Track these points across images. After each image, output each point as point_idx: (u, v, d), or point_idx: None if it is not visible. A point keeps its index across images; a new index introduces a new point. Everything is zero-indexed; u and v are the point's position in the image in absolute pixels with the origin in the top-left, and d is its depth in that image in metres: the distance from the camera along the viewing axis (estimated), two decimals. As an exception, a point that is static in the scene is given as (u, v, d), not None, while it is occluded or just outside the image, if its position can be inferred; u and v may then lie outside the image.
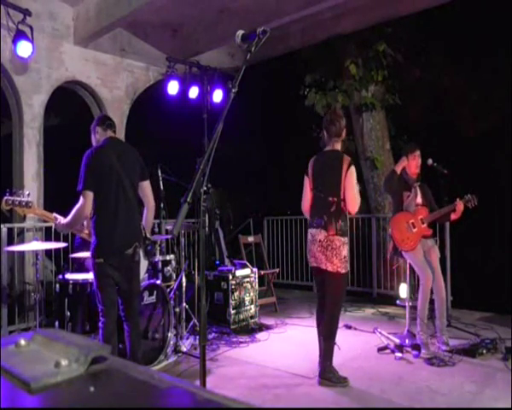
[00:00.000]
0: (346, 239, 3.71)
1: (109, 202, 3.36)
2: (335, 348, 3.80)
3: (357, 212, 3.82)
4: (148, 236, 3.58)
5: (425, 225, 4.64)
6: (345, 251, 3.69)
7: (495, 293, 6.60)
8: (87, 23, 5.94)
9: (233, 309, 5.42)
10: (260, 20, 5.34)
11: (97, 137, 3.56)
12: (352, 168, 3.74)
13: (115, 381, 0.73)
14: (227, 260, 6.63)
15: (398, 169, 4.70)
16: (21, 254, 5.49)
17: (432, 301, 4.66)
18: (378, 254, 7.13)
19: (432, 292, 4.58)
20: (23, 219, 5.38)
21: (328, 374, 3.69)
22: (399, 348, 4.30)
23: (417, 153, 4.78)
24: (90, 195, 3.31)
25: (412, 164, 4.75)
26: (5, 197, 3.44)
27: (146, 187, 3.56)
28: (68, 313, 3.78)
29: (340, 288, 3.82)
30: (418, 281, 6.17)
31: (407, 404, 3.31)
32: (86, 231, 3.72)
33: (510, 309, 5.34)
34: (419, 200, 4.81)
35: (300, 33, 6.81)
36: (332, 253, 3.67)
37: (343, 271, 3.70)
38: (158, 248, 4.77)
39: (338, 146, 3.99)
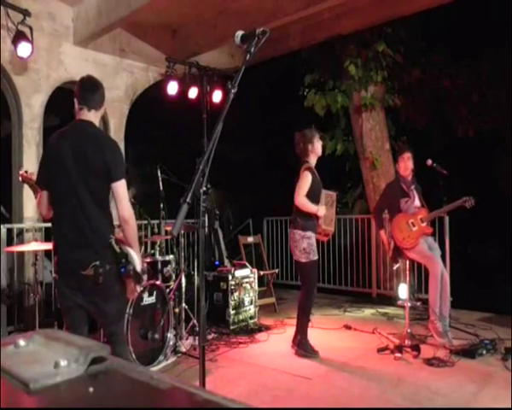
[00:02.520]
0: (306, 233, 4.28)
1: (59, 207, 2.72)
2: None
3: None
4: (129, 252, 2.69)
5: (425, 223, 4.74)
6: (304, 244, 4.27)
7: (494, 293, 6.59)
8: (87, 23, 5.93)
9: (232, 310, 5.42)
10: (260, 21, 5.34)
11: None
12: (305, 173, 4.34)
13: (114, 382, 0.73)
14: (226, 261, 6.63)
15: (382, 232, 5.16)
16: (21, 254, 5.48)
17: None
18: (378, 255, 7.13)
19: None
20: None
21: (303, 346, 4.35)
22: (399, 348, 4.30)
23: (405, 155, 4.97)
24: (42, 191, 2.77)
25: (400, 166, 5.00)
26: (21, 172, 3.29)
27: (115, 190, 2.65)
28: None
29: (306, 275, 4.44)
30: (417, 281, 6.20)
31: (407, 404, 3.31)
32: None
33: (510, 310, 5.34)
34: (417, 202, 4.91)
35: (300, 34, 6.81)
36: (294, 245, 4.36)
37: (303, 260, 4.31)
38: (156, 250, 4.75)
39: (306, 158, 4.48)
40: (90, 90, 2.78)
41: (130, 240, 2.70)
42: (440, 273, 4.59)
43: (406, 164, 4.95)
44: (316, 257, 4.37)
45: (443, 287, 4.63)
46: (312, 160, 4.51)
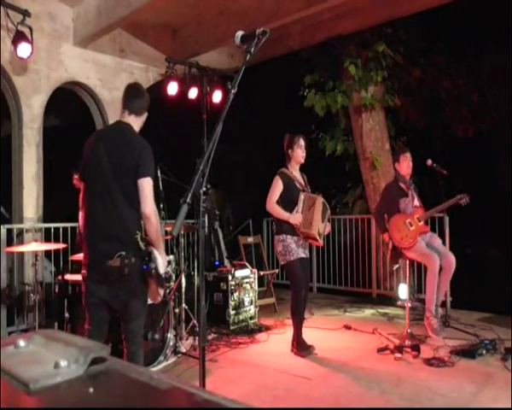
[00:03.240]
0: (280, 236, 4.38)
1: (92, 205, 2.85)
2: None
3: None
4: (153, 251, 2.75)
5: (422, 222, 4.82)
6: (279, 247, 4.39)
7: (494, 293, 6.59)
8: (86, 24, 5.93)
9: (232, 310, 5.42)
10: (260, 21, 5.35)
11: None
12: (275, 179, 4.42)
13: (114, 382, 0.73)
14: (226, 261, 6.63)
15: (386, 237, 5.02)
16: (21, 254, 5.48)
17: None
18: (377, 255, 7.13)
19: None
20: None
21: (297, 346, 4.40)
22: (399, 348, 4.30)
23: (408, 154, 5.03)
24: (82, 184, 2.95)
25: (404, 165, 5.01)
26: (75, 176, 3.35)
27: (140, 186, 2.75)
28: (67, 315, 3.78)
29: (289, 276, 4.63)
30: (417, 282, 6.21)
31: (407, 404, 3.30)
32: None
33: (510, 310, 5.34)
34: (416, 202, 4.95)
35: (300, 34, 6.81)
36: (275, 249, 4.55)
37: (282, 262, 4.47)
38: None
39: (286, 163, 4.56)
40: (133, 95, 2.96)
41: (152, 238, 2.77)
42: (439, 264, 4.68)
43: (409, 163, 5.03)
44: (293, 258, 4.32)
45: (448, 266, 4.74)
46: (293, 165, 4.51)
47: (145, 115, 2.99)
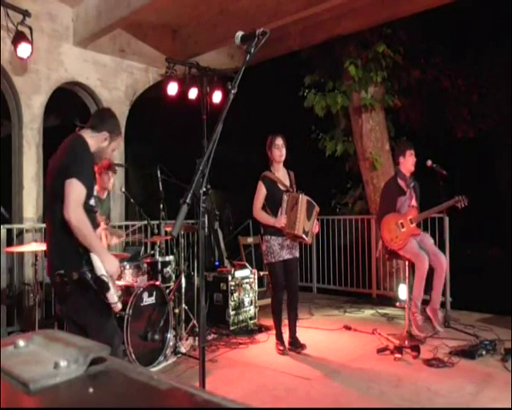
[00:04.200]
0: (265, 237, 4.48)
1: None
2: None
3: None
4: (90, 255, 2.51)
5: (414, 224, 4.78)
6: (263, 247, 4.51)
7: (494, 294, 6.59)
8: (86, 24, 5.93)
9: (232, 310, 5.42)
10: (260, 21, 5.35)
11: None
12: (258, 184, 4.51)
13: (114, 382, 0.73)
14: (226, 261, 6.63)
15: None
16: (20, 255, 5.48)
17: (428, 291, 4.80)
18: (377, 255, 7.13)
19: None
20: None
21: (276, 342, 4.58)
22: (399, 349, 4.30)
23: (413, 151, 4.95)
24: None
25: (409, 160, 4.94)
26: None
27: (65, 189, 2.48)
28: (67, 314, 3.77)
29: (270, 276, 4.67)
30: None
31: (406, 405, 3.30)
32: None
33: (509, 310, 5.34)
34: (414, 202, 4.91)
35: (300, 34, 6.82)
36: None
37: (264, 262, 4.58)
38: (156, 251, 4.75)
39: (270, 165, 4.61)
40: (95, 113, 3.13)
41: (84, 244, 2.50)
42: (427, 270, 4.66)
43: (414, 159, 4.96)
44: (274, 260, 4.39)
45: (440, 267, 4.73)
46: (274, 166, 4.54)
47: (104, 135, 2.78)
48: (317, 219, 4.53)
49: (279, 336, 4.58)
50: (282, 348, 4.49)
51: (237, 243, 7.00)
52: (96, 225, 2.77)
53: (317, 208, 4.47)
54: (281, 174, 4.56)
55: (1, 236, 5.25)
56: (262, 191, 4.45)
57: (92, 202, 2.71)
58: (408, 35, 7.46)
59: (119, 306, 2.64)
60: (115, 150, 2.97)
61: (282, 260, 4.41)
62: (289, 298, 4.64)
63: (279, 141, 4.49)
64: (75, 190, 2.48)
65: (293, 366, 4.15)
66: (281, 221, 4.30)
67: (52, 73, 6.00)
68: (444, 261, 4.77)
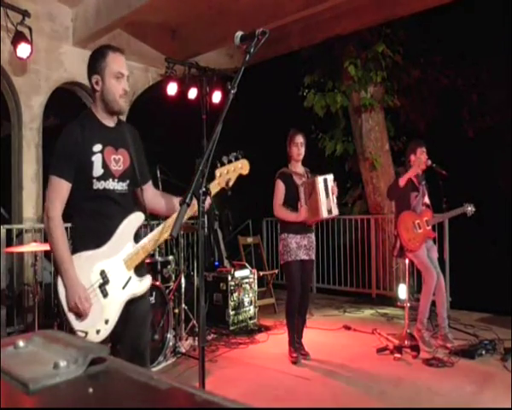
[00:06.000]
0: (282, 235, 4.35)
1: None
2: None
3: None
4: (58, 286, 2.20)
5: (429, 227, 4.72)
6: (280, 246, 4.38)
7: (494, 294, 6.59)
8: (86, 24, 5.93)
9: (232, 310, 5.42)
10: (260, 21, 5.35)
11: None
12: (275, 183, 4.36)
13: (114, 382, 0.73)
14: (226, 261, 6.63)
15: (403, 182, 4.64)
16: (20, 255, 5.48)
17: (432, 303, 4.73)
18: (377, 255, 7.13)
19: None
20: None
21: (289, 349, 4.38)
22: (398, 349, 4.30)
23: (424, 148, 4.86)
24: None
25: (422, 158, 4.81)
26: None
27: None
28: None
29: (285, 276, 4.57)
30: (417, 282, 6.20)
31: (406, 405, 3.30)
32: None
33: (509, 310, 5.34)
34: (426, 199, 4.88)
35: (299, 34, 6.81)
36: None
37: (281, 262, 4.42)
38: (155, 251, 4.75)
39: (288, 162, 4.49)
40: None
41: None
42: (435, 283, 4.59)
43: (425, 157, 4.82)
44: (290, 258, 4.25)
45: (440, 291, 4.65)
46: (292, 163, 4.42)
47: (94, 79, 2.41)
48: (334, 184, 4.18)
49: (292, 343, 4.38)
50: (295, 355, 4.28)
51: (237, 243, 7.00)
52: (130, 210, 2.36)
53: (331, 184, 4.16)
54: (298, 171, 4.42)
55: (0, 236, 5.24)
56: (280, 188, 4.30)
57: (109, 184, 2.27)
58: (407, 35, 7.47)
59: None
60: (123, 74, 2.42)
61: (300, 260, 4.27)
62: (300, 303, 4.40)
63: (299, 139, 4.34)
64: (49, 186, 2.23)
65: (293, 366, 4.15)
66: (301, 214, 4.17)
67: (52, 73, 6.00)
68: (443, 283, 4.71)
